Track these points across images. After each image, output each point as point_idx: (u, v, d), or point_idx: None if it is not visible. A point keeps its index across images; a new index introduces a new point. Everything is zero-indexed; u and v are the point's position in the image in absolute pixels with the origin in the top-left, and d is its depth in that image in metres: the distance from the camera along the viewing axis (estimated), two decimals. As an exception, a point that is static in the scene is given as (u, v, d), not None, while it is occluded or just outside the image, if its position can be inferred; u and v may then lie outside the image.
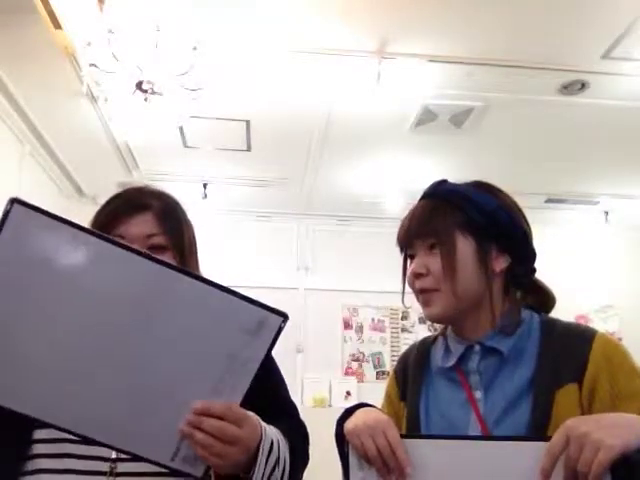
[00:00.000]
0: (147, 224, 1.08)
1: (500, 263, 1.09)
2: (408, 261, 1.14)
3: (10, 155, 3.75)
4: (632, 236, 5.49)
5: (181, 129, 3.85)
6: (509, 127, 3.87)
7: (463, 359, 1.10)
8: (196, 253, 1.16)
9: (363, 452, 0.95)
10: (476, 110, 3.64)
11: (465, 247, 1.07)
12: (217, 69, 3.10)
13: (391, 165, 4.42)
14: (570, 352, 1.01)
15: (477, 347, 1.08)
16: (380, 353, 5.35)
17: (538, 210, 4.95)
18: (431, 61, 3.17)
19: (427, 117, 3.73)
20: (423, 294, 1.09)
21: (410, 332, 5.37)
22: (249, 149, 4.22)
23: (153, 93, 2.65)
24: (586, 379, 0.98)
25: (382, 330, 5.40)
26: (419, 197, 1.18)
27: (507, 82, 3.34)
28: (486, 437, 1.00)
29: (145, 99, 2.66)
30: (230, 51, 3.07)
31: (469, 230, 1.08)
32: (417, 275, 1.09)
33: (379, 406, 1.15)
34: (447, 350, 1.13)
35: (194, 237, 1.17)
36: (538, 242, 1.17)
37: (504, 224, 1.09)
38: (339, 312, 5.36)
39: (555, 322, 1.09)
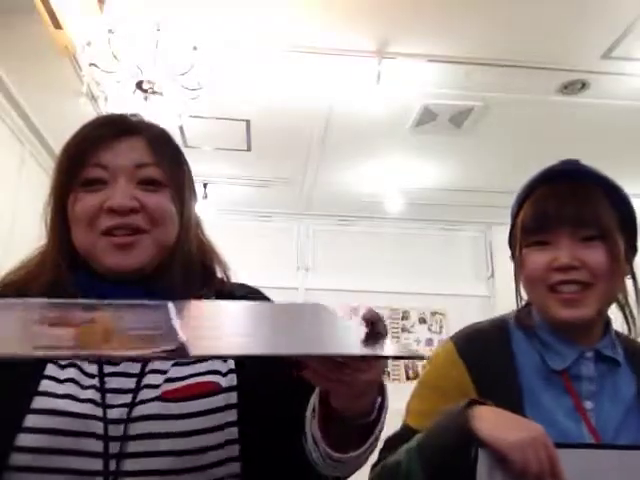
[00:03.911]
0: (136, 151, 0.85)
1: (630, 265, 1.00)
2: (523, 250, 0.99)
3: (10, 155, 3.74)
4: (632, 236, 5.48)
5: (181, 129, 3.85)
6: (509, 127, 3.87)
7: (572, 364, 0.98)
8: (195, 197, 0.93)
9: (523, 466, 0.78)
10: (476, 110, 3.64)
11: (621, 246, 0.96)
12: (217, 69, 3.10)
13: (391, 165, 4.42)
14: None
15: (590, 354, 0.97)
16: (380, 353, 5.34)
17: (538, 210, 4.94)
18: (431, 61, 3.17)
19: (427, 117, 3.73)
20: (570, 294, 0.94)
21: (410, 332, 5.36)
22: (249, 149, 4.22)
23: (153, 93, 2.65)
24: None
25: (382, 330, 5.39)
26: (544, 175, 1.05)
27: (507, 82, 3.33)
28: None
29: (145, 99, 2.66)
30: (230, 51, 3.07)
31: (619, 226, 0.96)
32: (567, 268, 0.93)
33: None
34: (548, 349, 0.98)
35: (192, 177, 0.93)
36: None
37: (636, 221, 0.99)
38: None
39: (623, 335, 1.03)
